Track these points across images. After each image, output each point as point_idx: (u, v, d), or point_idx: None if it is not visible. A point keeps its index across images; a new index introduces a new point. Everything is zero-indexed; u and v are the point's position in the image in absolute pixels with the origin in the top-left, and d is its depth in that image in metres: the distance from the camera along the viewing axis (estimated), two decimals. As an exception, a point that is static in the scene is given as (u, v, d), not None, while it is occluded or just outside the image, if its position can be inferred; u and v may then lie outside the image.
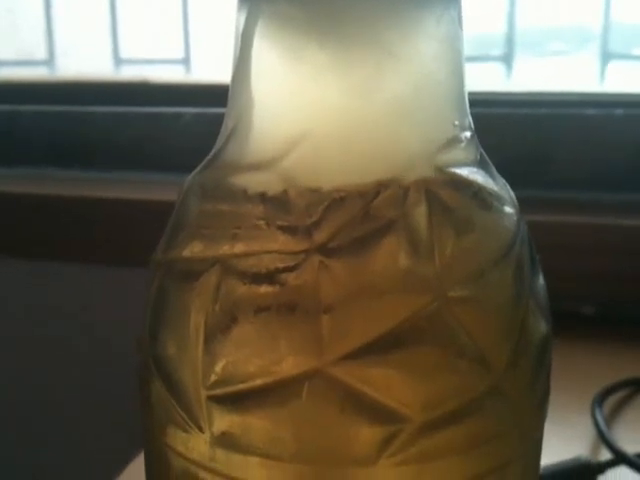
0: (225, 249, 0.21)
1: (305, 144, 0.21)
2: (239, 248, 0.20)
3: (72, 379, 0.78)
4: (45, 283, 0.78)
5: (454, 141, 0.22)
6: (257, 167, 0.21)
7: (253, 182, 0.21)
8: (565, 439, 0.47)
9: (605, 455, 0.44)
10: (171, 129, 0.76)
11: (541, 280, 0.23)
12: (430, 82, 0.21)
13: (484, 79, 0.77)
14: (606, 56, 0.75)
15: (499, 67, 0.78)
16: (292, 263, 0.20)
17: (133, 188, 0.74)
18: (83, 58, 0.94)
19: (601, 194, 0.69)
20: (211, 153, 0.23)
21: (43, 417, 0.79)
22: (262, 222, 0.21)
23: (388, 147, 0.21)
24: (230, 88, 0.22)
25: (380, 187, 0.20)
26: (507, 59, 0.77)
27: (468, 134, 0.22)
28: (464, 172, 0.21)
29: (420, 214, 0.20)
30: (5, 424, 0.81)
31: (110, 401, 0.71)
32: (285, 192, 0.21)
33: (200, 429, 0.21)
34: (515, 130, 0.69)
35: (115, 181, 0.77)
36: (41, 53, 0.91)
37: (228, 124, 0.22)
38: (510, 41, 0.76)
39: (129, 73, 0.92)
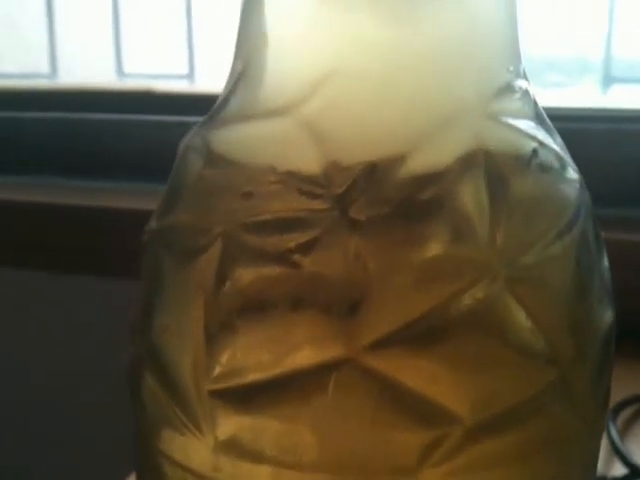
0: (233, 215, 0.17)
1: (331, 86, 0.17)
2: (251, 214, 0.17)
3: (70, 390, 0.75)
4: (49, 294, 0.75)
5: (508, 90, 0.18)
6: (272, 115, 0.17)
7: (268, 134, 0.17)
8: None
9: (619, 470, 0.42)
10: (177, 138, 0.73)
11: (606, 260, 0.19)
12: (484, 17, 0.17)
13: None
14: (608, 80, 0.73)
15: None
16: (315, 234, 0.16)
17: (140, 198, 0.71)
18: (87, 73, 0.92)
19: (607, 209, 0.66)
20: (215, 104, 0.19)
21: (43, 417, 0.76)
22: (279, 186, 0.17)
23: (433, 90, 0.17)
24: (238, 25, 0.19)
25: (421, 144, 0.17)
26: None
27: (524, 84, 0.18)
28: (522, 125, 0.18)
29: (471, 179, 0.17)
30: (6, 425, 0.78)
31: (110, 407, 0.68)
32: (307, 149, 0.17)
33: (201, 432, 0.17)
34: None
35: (122, 190, 0.74)
36: (44, 68, 0.90)
37: (236, 67, 0.19)
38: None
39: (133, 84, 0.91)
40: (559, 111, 0.67)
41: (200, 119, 0.65)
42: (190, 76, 0.92)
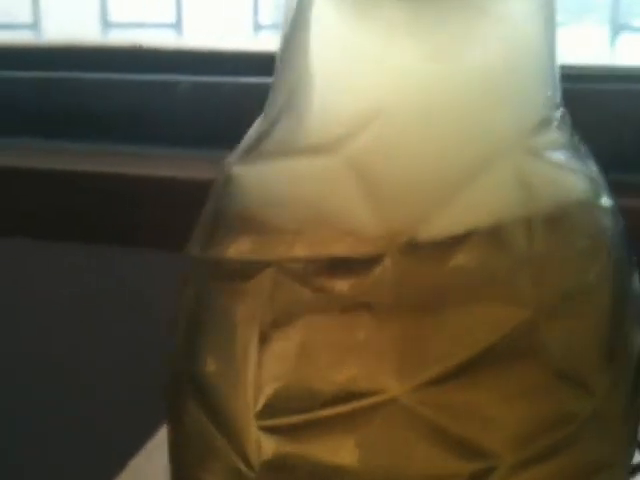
0: (281, 251, 0.17)
1: (378, 123, 0.17)
2: (300, 250, 0.17)
3: (77, 373, 0.74)
4: (24, 261, 0.73)
5: (547, 120, 0.18)
6: (317, 151, 0.17)
7: (314, 169, 0.17)
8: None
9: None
10: (167, 98, 0.72)
11: (637, 282, 0.20)
12: (524, 47, 0.18)
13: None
14: (616, 27, 0.71)
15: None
16: (365, 266, 0.17)
17: (124, 161, 0.69)
18: (70, 21, 0.90)
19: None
20: (253, 132, 0.19)
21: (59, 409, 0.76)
22: (322, 225, 0.17)
23: (478, 125, 0.17)
24: (279, 54, 0.19)
25: (465, 185, 0.17)
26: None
27: (560, 111, 0.19)
28: (560, 157, 0.18)
29: (512, 214, 0.17)
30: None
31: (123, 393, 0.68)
32: (352, 190, 0.17)
33: (249, 464, 0.17)
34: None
35: (107, 154, 0.72)
36: (25, 16, 0.87)
37: (278, 98, 0.19)
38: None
39: (118, 37, 0.89)
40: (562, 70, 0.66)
41: (193, 78, 0.62)
42: (177, 25, 0.91)
